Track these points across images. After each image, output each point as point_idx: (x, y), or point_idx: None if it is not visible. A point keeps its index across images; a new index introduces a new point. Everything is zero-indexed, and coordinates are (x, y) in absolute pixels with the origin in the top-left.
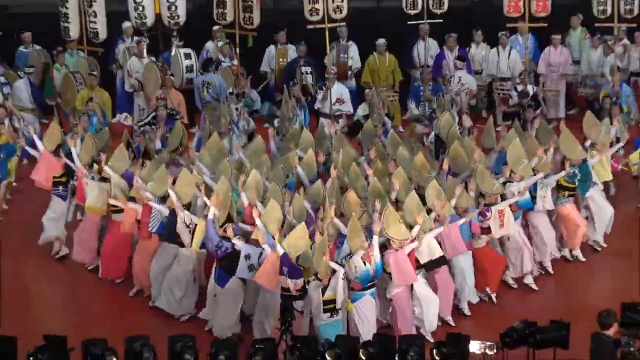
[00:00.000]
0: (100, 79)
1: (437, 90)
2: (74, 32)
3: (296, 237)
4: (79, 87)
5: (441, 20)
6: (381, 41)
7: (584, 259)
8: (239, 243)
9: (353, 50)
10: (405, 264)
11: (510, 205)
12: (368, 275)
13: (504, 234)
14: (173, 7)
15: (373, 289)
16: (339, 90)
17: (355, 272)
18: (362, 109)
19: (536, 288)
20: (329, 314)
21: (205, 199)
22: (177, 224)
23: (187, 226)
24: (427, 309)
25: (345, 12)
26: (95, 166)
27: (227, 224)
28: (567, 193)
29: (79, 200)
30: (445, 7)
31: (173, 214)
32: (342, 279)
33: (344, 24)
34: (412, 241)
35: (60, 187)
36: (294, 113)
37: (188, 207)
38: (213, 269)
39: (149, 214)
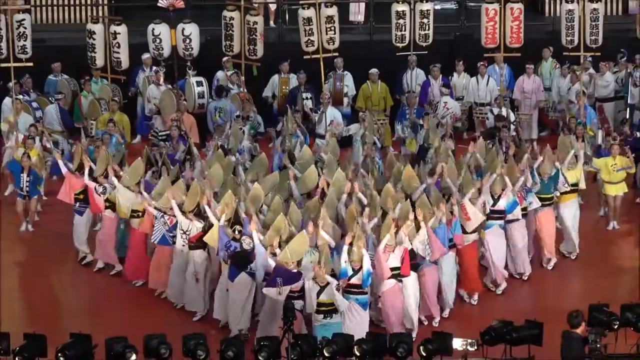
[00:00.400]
0: (122, 104)
1: (421, 114)
2: (99, 61)
3: (298, 244)
4: (104, 112)
5: (426, 52)
6: (374, 71)
7: (550, 267)
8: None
9: (348, 79)
10: (381, 262)
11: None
12: (345, 272)
13: (476, 226)
14: (187, 40)
15: (362, 297)
16: (332, 114)
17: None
18: (354, 127)
19: (499, 292)
20: (322, 316)
21: (209, 212)
22: (177, 229)
23: (185, 232)
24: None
25: (337, 43)
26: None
27: (235, 226)
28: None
29: (94, 210)
30: (430, 40)
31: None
32: (336, 289)
33: (337, 54)
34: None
35: (78, 204)
36: (294, 130)
37: (198, 213)
38: (226, 268)
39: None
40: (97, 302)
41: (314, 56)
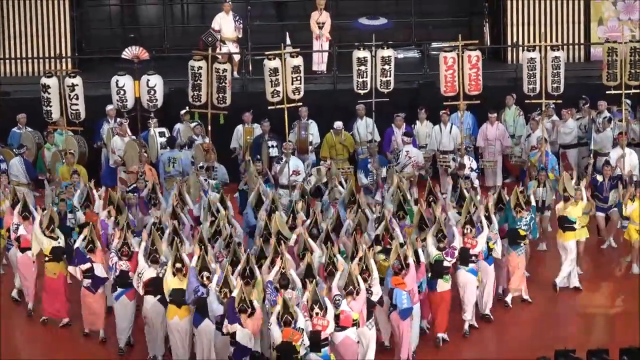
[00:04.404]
0: (87, 155)
1: (384, 163)
2: (55, 114)
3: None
4: (63, 164)
5: (387, 99)
6: (338, 124)
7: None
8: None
9: (313, 127)
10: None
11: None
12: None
13: None
14: (152, 92)
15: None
16: (295, 164)
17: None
18: (315, 177)
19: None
20: None
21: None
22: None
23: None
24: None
25: (302, 93)
26: None
27: (203, 272)
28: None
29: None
30: (392, 87)
31: None
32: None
33: (302, 104)
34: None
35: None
36: (257, 182)
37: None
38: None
39: None
40: (61, 354)
41: (278, 106)
